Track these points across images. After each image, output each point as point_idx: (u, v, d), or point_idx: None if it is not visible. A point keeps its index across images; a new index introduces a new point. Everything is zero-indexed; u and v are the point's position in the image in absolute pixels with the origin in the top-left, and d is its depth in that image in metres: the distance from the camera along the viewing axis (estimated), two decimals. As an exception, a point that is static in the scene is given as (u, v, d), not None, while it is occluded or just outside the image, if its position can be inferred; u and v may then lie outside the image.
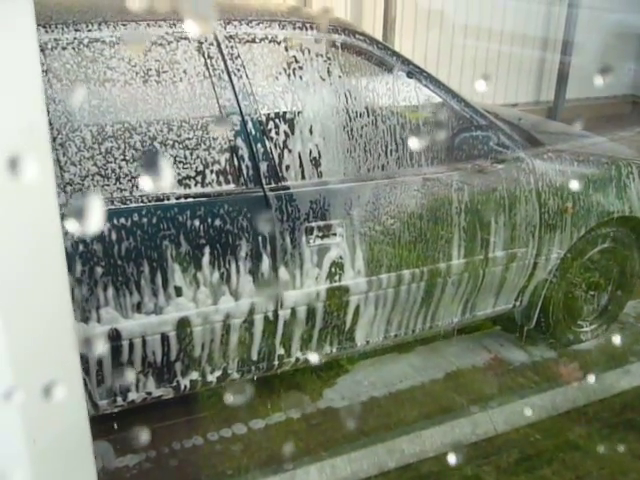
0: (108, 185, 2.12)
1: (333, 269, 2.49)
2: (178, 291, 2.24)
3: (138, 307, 2.20)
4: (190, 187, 2.24)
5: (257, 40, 2.41)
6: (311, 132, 2.45)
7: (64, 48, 2.09)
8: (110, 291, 2.14)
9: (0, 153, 0.96)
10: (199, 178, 2.26)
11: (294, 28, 2.46)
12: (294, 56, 2.44)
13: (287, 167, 2.40)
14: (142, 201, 2.16)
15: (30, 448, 1.15)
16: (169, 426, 2.61)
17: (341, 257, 2.49)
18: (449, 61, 6.43)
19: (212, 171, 2.28)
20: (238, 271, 2.32)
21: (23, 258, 1.11)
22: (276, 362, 2.58)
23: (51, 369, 1.17)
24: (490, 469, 2.55)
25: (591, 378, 3.04)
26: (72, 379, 1.25)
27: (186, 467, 2.45)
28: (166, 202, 2.19)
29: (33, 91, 1.12)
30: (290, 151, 2.41)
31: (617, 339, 3.38)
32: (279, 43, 2.43)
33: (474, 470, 2.52)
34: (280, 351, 2.55)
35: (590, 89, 7.26)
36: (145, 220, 2.16)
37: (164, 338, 2.28)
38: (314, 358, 2.66)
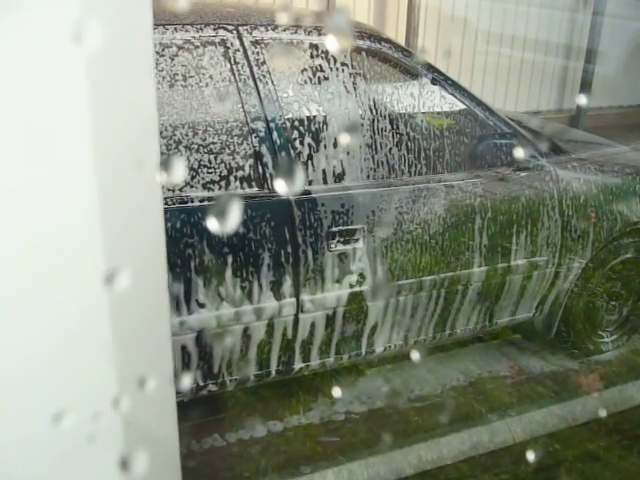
0: None
1: (355, 275, 2.50)
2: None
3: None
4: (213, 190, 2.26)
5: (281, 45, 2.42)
6: (335, 139, 2.46)
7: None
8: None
9: (126, 153, 0.99)
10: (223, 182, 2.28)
11: (319, 34, 2.48)
12: (320, 64, 2.45)
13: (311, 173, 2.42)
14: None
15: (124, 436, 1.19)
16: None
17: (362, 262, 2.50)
18: (471, 67, 6.42)
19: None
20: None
21: (133, 253, 1.14)
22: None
23: (146, 363, 1.21)
24: (508, 478, 2.54)
25: (611, 389, 3.01)
26: (164, 373, 1.28)
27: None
28: (191, 204, 2.22)
29: (147, 93, 1.14)
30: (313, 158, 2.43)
31: (638, 350, 3.36)
32: (305, 49, 2.44)
33: (492, 479, 2.52)
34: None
35: (613, 97, 7.21)
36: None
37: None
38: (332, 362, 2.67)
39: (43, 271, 1.03)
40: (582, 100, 6.95)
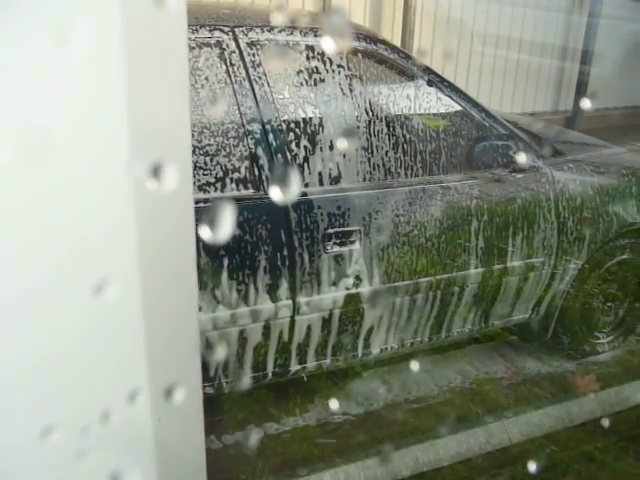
0: None
1: (351, 277, 2.50)
2: None
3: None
4: (209, 192, 2.26)
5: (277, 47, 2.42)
6: (331, 140, 2.45)
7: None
8: None
9: (146, 159, 0.98)
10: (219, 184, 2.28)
11: (315, 35, 2.48)
12: (315, 65, 2.45)
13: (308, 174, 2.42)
14: None
15: (151, 448, 1.18)
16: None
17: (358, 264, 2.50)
18: (467, 68, 6.43)
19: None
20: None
21: (160, 261, 1.12)
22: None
23: (174, 371, 1.19)
24: (504, 479, 2.54)
25: (607, 390, 3.02)
26: (192, 381, 1.27)
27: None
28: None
29: (180, 94, 1.13)
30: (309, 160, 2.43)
31: (634, 351, 3.36)
32: (301, 51, 2.44)
33: (488, 480, 2.52)
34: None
35: (609, 99, 7.23)
36: None
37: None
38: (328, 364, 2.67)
39: (38, 282, 1.02)
40: (578, 101, 6.97)
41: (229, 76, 2.31)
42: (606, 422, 2.86)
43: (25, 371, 1.03)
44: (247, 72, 2.34)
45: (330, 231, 2.41)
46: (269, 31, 2.43)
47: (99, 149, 1.01)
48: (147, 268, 1.07)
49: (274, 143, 2.35)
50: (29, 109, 0.95)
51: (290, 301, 2.42)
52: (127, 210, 1.04)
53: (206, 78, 2.28)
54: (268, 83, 2.37)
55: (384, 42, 2.68)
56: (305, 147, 2.41)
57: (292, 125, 2.40)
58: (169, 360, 1.17)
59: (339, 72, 2.49)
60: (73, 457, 1.07)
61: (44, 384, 1.05)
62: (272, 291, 2.37)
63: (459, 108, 2.76)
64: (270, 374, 2.54)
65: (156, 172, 0.97)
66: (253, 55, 2.37)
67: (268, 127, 2.35)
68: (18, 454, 1.06)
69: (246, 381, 2.51)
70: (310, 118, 2.44)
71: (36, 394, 1.05)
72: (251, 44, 2.37)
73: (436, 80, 2.71)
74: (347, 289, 2.50)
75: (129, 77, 0.99)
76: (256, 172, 2.32)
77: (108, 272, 1.03)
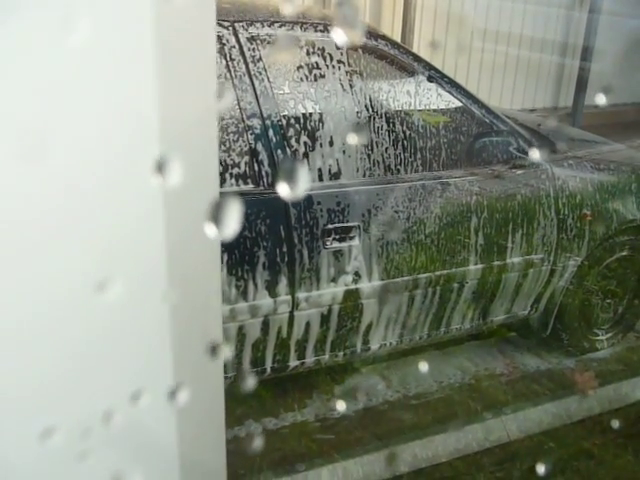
0: None
1: (350, 273, 2.49)
2: None
3: None
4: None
5: (278, 42, 2.41)
6: (330, 136, 2.45)
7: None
8: None
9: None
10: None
11: (315, 30, 2.47)
12: (316, 61, 2.44)
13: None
14: None
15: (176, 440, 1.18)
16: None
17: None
18: (467, 64, 6.41)
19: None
20: None
21: (185, 256, 1.12)
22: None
23: (192, 368, 1.19)
24: (503, 476, 2.54)
25: (606, 387, 3.02)
26: (213, 380, 1.27)
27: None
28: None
29: (207, 91, 1.12)
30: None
31: (633, 348, 3.37)
32: (301, 46, 2.43)
33: (487, 477, 2.52)
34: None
35: (609, 95, 7.20)
36: None
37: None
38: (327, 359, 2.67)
39: (36, 284, 1.01)
40: (578, 98, 6.94)
41: (229, 71, 2.30)
42: (605, 419, 2.86)
43: (32, 371, 1.02)
44: (247, 67, 2.33)
45: (329, 227, 2.41)
46: (269, 26, 2.42)
47: (131, 146, 1.00)
48: (165, 269, 1.06)
49: (274, 138, 2.34)
50: (58, 106, 0.94)
51: (289, 297, 2.42)
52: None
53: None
54: (268, 78, 2.36)
55: (384, 37, 2.68)
56: (305, 143, 2.41)
57: (292, 120, 2.39)
58: (185, 360, 1.17)
59: (339, 67, 2.48)
60: (76, 458, 1.07)
61: (47, 385, 1.04)
62: (271, 287, 2.36)
63: (459, 104, 2.75)
64: (269, 369, 2.54)
65: (181, 168, 0.96)
66: (253, 50, 2.36)
67: (268, 122, 2.34)
68: (19, 455, 1.05)
69: (245, 376, 2.51)
70: (310, 113, 2.43)
71: (39, 395, 1.04)
72: (251, 39, 2.36)
73: (436, 76, 2.70)
74: (346, 285, 2.50)
75: (159, 75, 0.98)
76: (256, 167, 2.32)
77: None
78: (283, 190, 0.77)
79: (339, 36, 0.71)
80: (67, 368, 1.04)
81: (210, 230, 0.77)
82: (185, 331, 1.14)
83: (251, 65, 2.34)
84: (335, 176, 2.47)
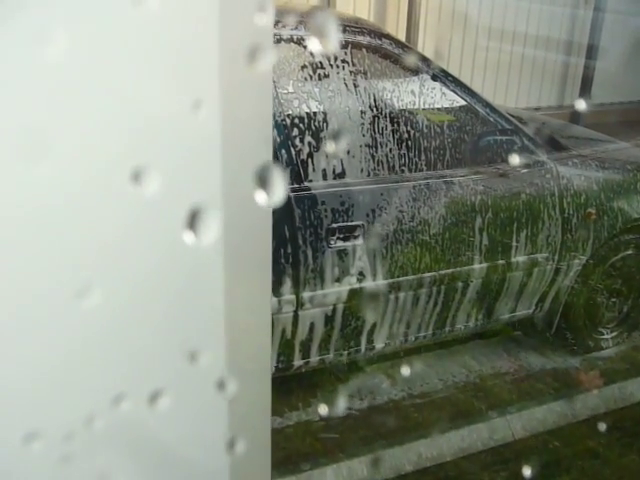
0: None
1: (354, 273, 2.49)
2: None
3: None
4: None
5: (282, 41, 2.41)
6: (334, 135, 2.45)
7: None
8: None
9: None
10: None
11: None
12: (320, 60, 2.44)
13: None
14: None
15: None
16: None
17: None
18: (472, 63, 6.40)
19: None
20: None
21: (241, 252, 1.13)
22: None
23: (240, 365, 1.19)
24: (507, 475, 2.53)
25: (611, 386, 3.01)
26: (262, 376, 1.27)
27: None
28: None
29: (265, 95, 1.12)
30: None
31: (638, 347, 3.36)
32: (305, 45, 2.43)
33: (491, 476, 2.52)
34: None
35: (615, 94, 7.19)
36: None
37: None
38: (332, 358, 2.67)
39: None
40: (583, 96, 6.92)
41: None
42: (610, 418, 2.86)
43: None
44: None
45: (334, 226, 2.41)
46: (273, 25, 2.42)
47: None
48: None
49: (278, 138, 2.34)
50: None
51: (293, 296, 2.42)
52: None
53: None
54: (272, 78, 2.36)
55: (389, 36, 2.67)
56: (309, 142, 2.41)
57: (296, 120, 2.40)
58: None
59: (343, 67, 2.48)
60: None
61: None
62: (275, 286, 2.36)
63: (464, 103, 2.75)
64: (273, 369, 2.54)
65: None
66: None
67: (272, 121, 2.33)
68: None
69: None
70: (314, 113, 2.43)
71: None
72: None
73: (441, 75, 2.70)
74: (350, 284, 2.50)
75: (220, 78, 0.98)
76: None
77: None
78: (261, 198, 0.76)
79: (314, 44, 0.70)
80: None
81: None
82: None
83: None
84: (339, 175, 2.47)
